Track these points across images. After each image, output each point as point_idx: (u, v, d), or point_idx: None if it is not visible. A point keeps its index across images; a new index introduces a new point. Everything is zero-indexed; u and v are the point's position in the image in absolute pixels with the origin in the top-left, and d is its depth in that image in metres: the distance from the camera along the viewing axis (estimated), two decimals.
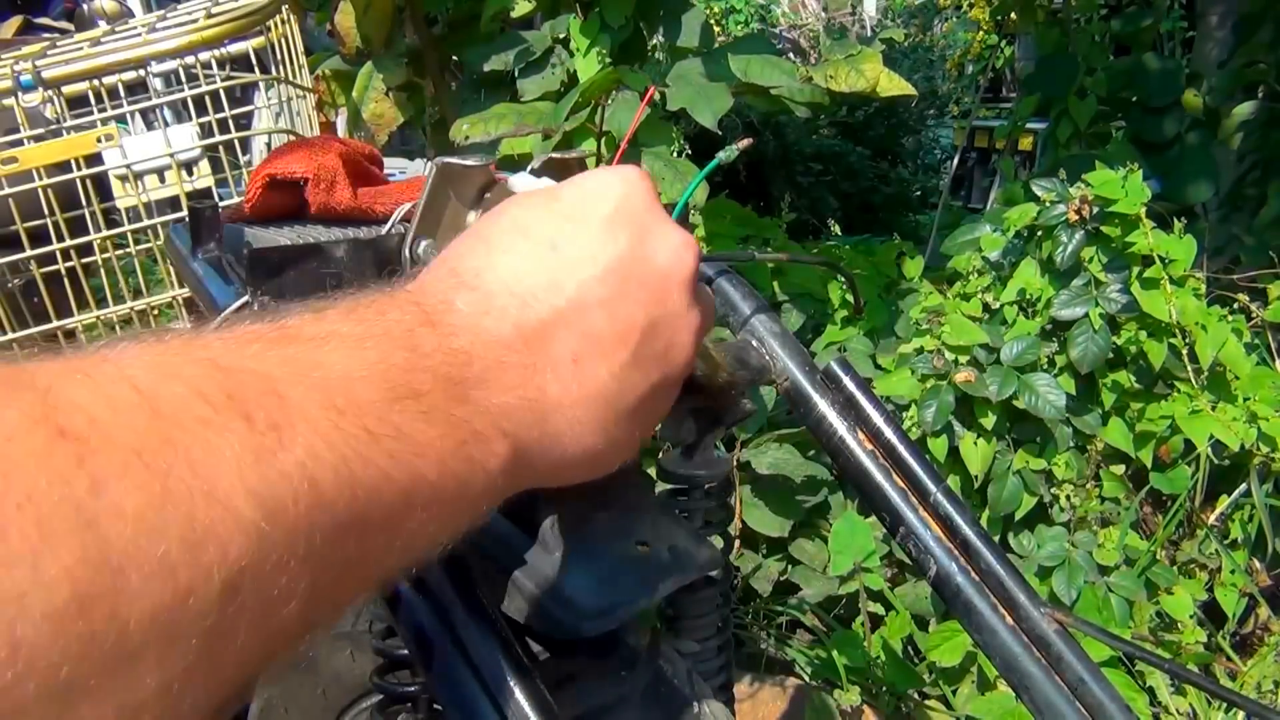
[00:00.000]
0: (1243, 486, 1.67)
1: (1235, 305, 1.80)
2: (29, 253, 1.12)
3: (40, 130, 1.13)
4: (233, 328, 0.28)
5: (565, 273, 0.35)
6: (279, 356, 0.27)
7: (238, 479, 0.23)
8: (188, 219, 0.55)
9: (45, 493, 0.19)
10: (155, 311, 1.23)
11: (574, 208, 0.37)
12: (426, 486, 0.28)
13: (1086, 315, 1.59)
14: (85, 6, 1.65)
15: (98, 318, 1.20)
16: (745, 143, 0.66)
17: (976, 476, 1.63)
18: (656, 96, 1.45)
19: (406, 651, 0.53)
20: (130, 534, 0.20)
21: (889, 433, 0.75)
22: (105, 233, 1.16)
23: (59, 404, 0.21)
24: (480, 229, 0.37)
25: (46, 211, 1.11)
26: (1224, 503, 1.70)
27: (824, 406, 0.77)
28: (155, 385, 0.23)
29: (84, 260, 1.16)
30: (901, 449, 0.75)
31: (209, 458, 0.22)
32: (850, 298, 1.93)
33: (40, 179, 1.10)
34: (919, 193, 5.71)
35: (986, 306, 1.74)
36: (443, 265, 0.36)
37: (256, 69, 1.26)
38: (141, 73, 1.16)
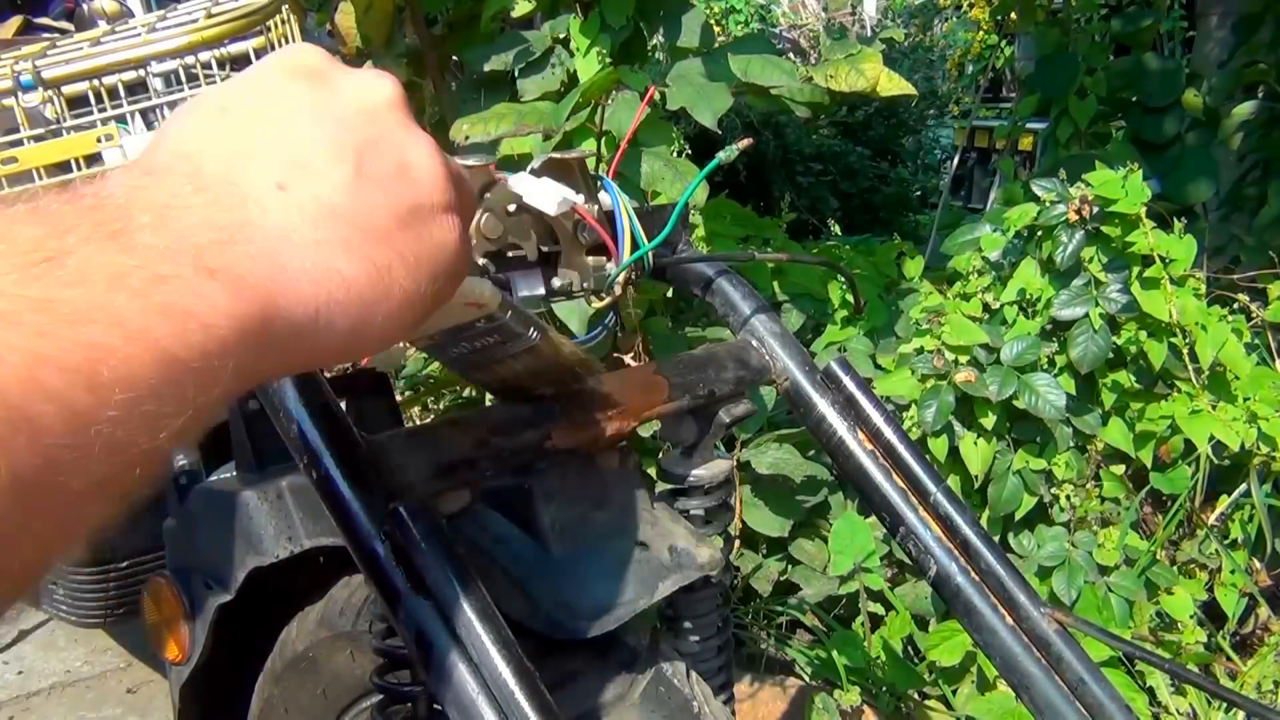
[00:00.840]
0: (1243, 486, 1.67)
1: (1235, 305, 1.80)
2: None
3: (40, 130, 1.13)
4: None
5: (239, 125, 0.32)
6: None
7: None
8: None
9: None
10: None
11: (245, 80, 0.35)
12: (111, 358, 0.24)
13: (1086, 315, 1.59)
14: (85, 6, 1.65)
15: None
16: (745, 143, 0.66)
17: (976, 476, 1.63)
18: (656, 96, 1.45)
19: (406, 651, 0.53)
20: None
21: (889, 433, 0.75)
22: None
23: None
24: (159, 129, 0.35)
25: None
26: (1224, 503, 1.70)
27: (824, 406, 0.77)
28: None
29: None
30: (901, 449, 0.75)
31: None
32: (850, 298, 1.94)
33: (40, 179, 1.10)
34: (919, 193, 5.70)
35: (986, 306, 1.74)
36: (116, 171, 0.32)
37: None
38: (141, 73, 1.16)
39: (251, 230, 0.30)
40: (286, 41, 1.30)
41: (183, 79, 1.20)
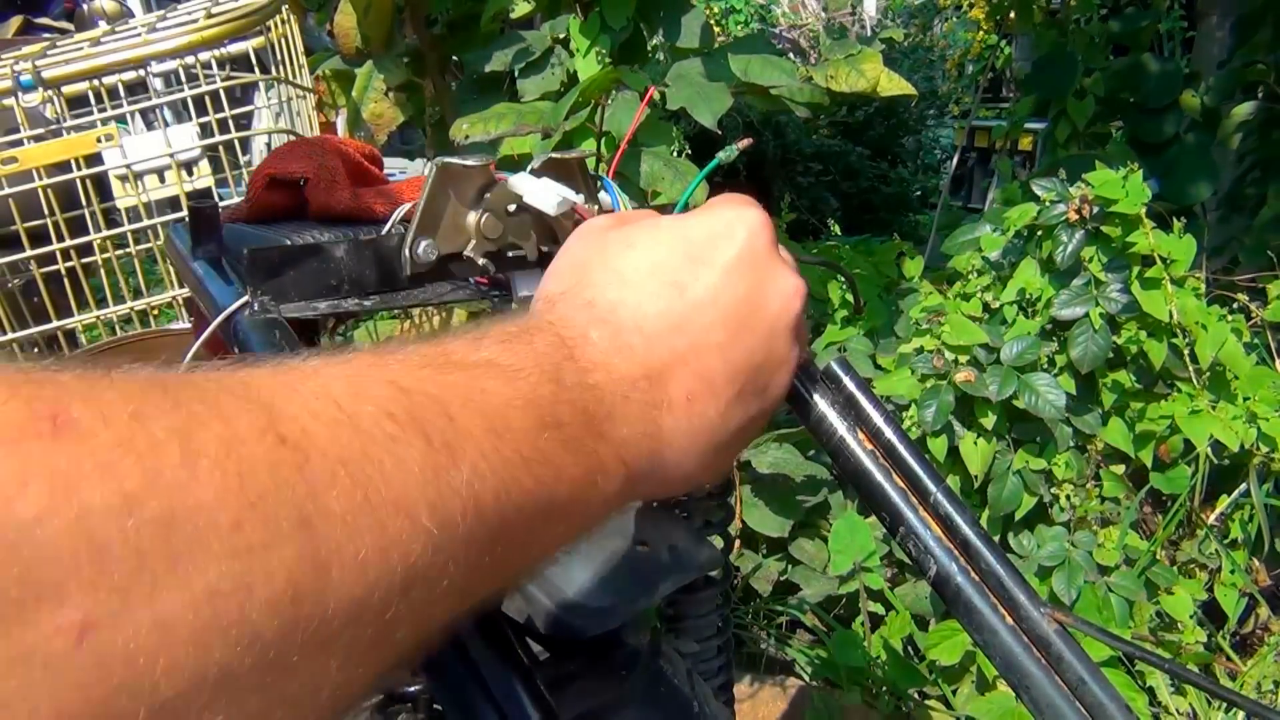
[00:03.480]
0: (1243, 486, 1.67)
1: (1235, 305, 1.80)
2: (29, 253, 1.12)
3: (40, 130, 1.13)
4: (402, 349, 0.31)
5: (689, 316, 0.38)
6: (447, 381, 0.30)
7: (419, 492, 0.26)
8: (188, 219, 0.55)
9: (273, 494, 0.22)
10: (155, 311, 1.23)
11: (702, 249, 0.39)
12: (559, 507, 0.32)
13: (1086, 315, 1.59)
14: (85, 6, 1.65)
15: (98, 318, 1.20)
16: (745, 143, 0.66)
17: (976, 476, 1.63)
18: (656, 96, 1.45)
19: None
20: (337, 535, 0.23)
21: (889, 433, 0.75)
22: (105, 233, 1.16)
23: (279, 415, 0.24)
24: (612, 257, 0.39)
25: (46, 211, 1.11)
26: (1224, 503, 1.70)
27: (824, 406, 0.77)
28: (353, 403, 0.26)
29: (84, 260, 1.16)
30: (901, 449, 0.75)
31: (398, 472, 0.25)
32: (850, 298, 1.94)
33: (40, 179, 1.10)
34: (919, 193, 5.71)
35: (986, 306, 1.74)
36: (579, 293, 0.38)
37: (256, 69, 1.26)
38: (141, 73, 1.16)
39: (656, 437, 0.36)
40: (286, 42, 1.30)
41: (183, 79, 1.20)
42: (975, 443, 1.63)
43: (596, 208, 0.64)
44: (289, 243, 0.55)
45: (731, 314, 0.39)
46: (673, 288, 0.38)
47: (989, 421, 1.62)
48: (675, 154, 1.52)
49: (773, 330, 0.40)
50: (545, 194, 0.57)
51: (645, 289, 0.38)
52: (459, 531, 0.27)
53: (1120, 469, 1.69)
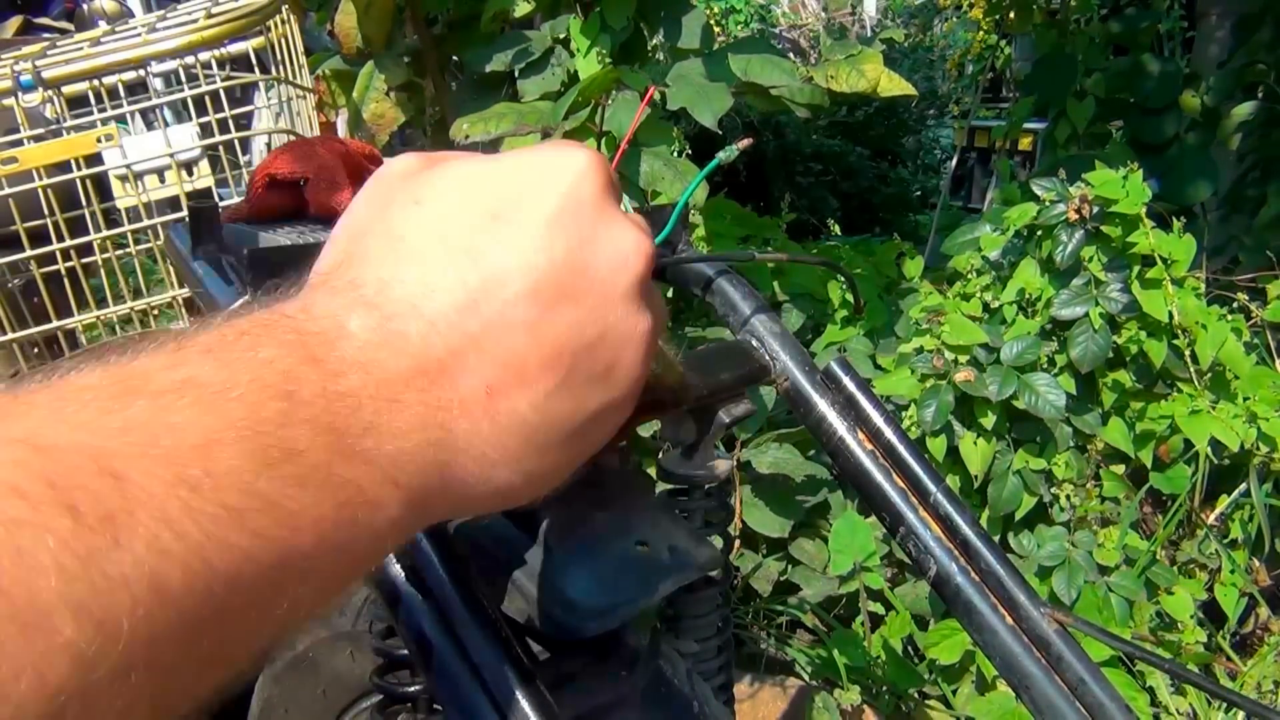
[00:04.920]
0: (1243, 486, 1.67)
1: (1235, 305, 1.80)
2: (29, 253, 1.12)
3: (40, 130, 1.13)
4: (64, 378, 0.23)
5: (486, 290, 0.30)
6: (118, 422, 0.22)
7: (57, 594, 0.19)
8: (188, 219, 0.55)
9: None
10: (155, 311, 1.23)
11: (507, 203, 0.31)
12: (300, 559, 0.24)
13: (1086, 315, 1.59)
14: (85, 6, 1.65)
15: (98, 318, 1.20)
16: (745, 143, 0.66)
17: (976, 476, 1.63)
18: (656, 96, 1.45)
19: (406, 651, 0.53)
20: None
21: (889, 433, 0.75)
22: (105, 233, 1.16)
23: None
24: (394, 218, 0.31)
25: (46, 211, 1.11)
26: (1224, 503, 1.70)
27: (824, 406, 0.77)
28: None
29: (84, 260, 1.16)
30: (901, 449, 0.75)
31: (20, 570, 0.19)
32: (850, 298, 1.94)
33: (40, 179, 1.10)
34: (919, 193, 5.71)
35: (986, 306, 1.74)
36: (345, 270, 0.30)
37: (256, 69, 1.26)
38: (141, 73, 1.16)
39: (445, 444, 0.29)
40: (286, 42, 1.30)
41: (183, 79, 1.20)
42: (975, 443, 1.63)
43: None
44: (289, 243, 0.55)
45: (545, 283, 0.30)
46: (465, 255, 0.30)
47: (989, 421, 1.62)
48: (675, 154, 1.52)
49: (605, 299, 0.32)
50: None
51: (430, 258, 0.30)
52: (130, 632, 0.20)
53: (1120, 469, 1.68)
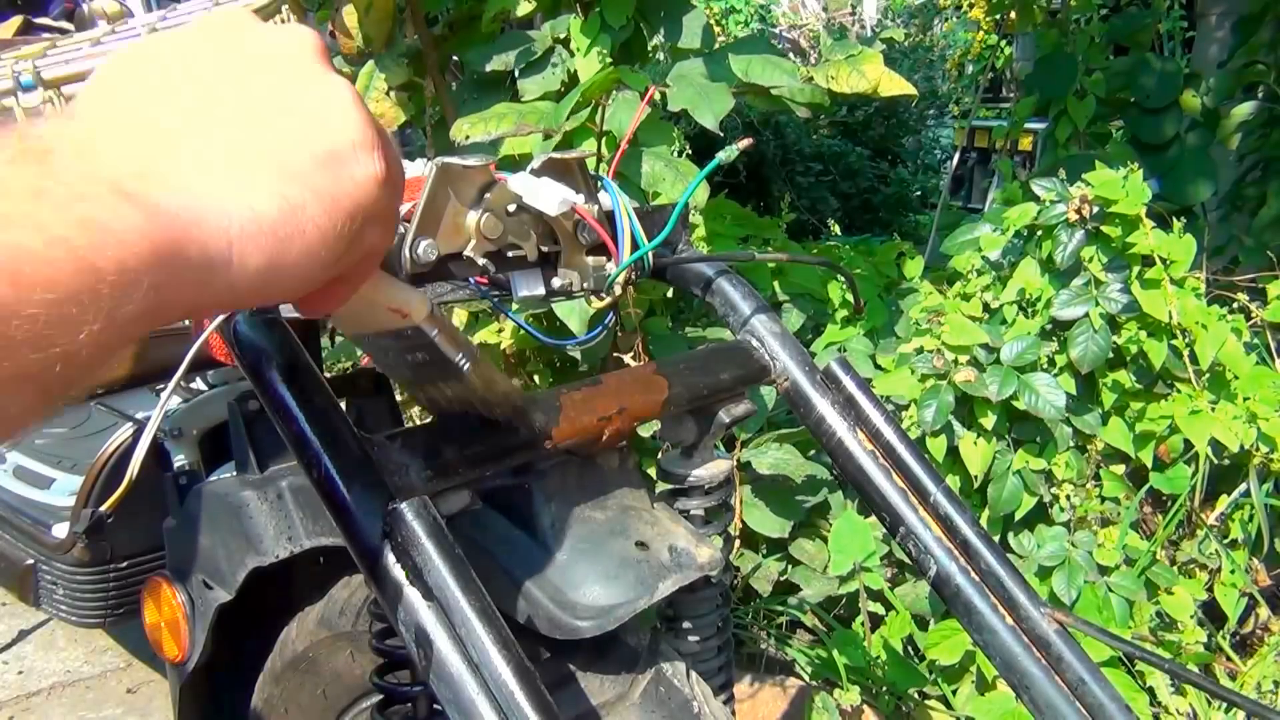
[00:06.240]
0: (1243, 486, 1.67)
1: (1235, 305, 1.80)
2: None
3: None
4: None
5: (159, 72, 0.35)
6: None
7: None
8: None
9: None
10: None
11: (169, 34, 0.37)
12: (33, 259, 0.26)
13: (1086, 315, 1.59)
14: (85, 6, 1.65)
15: None
16: (745, 143, 0.66)
17: (976, 476, 1.63)
18: (657, 96, 1.45)
19: (406, 651, 0.53)
20: None
21: (889, 433, 0.75)
22: None
23: None
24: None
25: None
26: (1224, 503, 1.70)
27: (824, 406, 0.77)
28: None
29: None
30: (901, 449, 0.75)
31: None
32: (850, 298, 1.94)
33: None
34: (919, 193, 5.71)
35: (986, 306, 1.74)
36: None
37: None
38: None
39: (166, 164, 0.32)
40: None
41: None
42: (975, 443, 1.63)
43: (596, 207, 0.64)
44: None
45: (203, 49, 0.36)
46: (140, 59, 0.35)
47: (989, 421, 1.62)
48: (675, 154, 1.52)
49: (275, 49, 0.37)
50: (545, 194, 0.57)
51: (111, 68, 0.35)
52: None
53: (1120, 469, 1.69)
